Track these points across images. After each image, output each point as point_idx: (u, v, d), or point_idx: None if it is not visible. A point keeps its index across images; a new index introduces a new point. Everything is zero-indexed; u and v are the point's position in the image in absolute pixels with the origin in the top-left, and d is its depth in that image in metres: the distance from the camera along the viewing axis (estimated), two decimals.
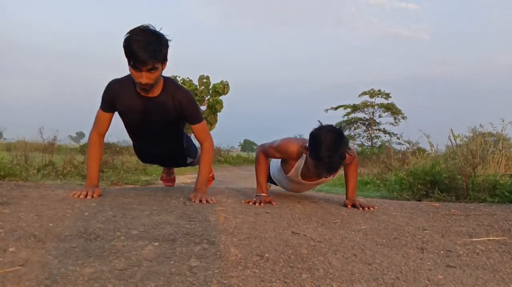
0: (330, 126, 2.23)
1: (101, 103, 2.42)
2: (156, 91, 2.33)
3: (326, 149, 2.10)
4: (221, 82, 27.02)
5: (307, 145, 2.30)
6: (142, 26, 2.11)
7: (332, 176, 2.33)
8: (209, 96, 27.18)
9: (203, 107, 27.20)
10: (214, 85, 26.85)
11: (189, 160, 2.94)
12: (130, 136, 2.69)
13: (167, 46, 2.17)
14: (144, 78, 2.10)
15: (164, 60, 2.16)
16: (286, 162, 2.62)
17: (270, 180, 3.11)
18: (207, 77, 27.31)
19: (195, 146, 2.98)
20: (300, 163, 2.51)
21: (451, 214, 2.42)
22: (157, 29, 2.15)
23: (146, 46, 2.02)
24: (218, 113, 27.45)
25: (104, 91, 2.39)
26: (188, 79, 26.82)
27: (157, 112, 2.40)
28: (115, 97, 2.36)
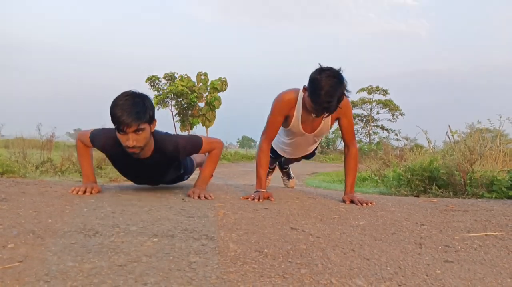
0: (330, 70, 2.24)
1: (91, 137, 2.38)
2: (148, 153, 2.30)
3: (326, 94, 2.16)
4: (219, 79, 27.01)
5: (306, 85, 2.32)
6: (125, 92, 2.12)
7: (329, 116, 2.40)
8: (207, 93, 27.16)
9: (201, 104, 27.19)
10: (212, 82, 26.83)
11: (186, 177, 2.95)
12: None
13: (153, 107, 2.17)
14: (130, 141, 2.07)
15: (151, 121, 2.15)
16: (286, 118, 2.62)
17: (273, 154, 3.06)
18: (205, 74, 27.28)
19: (191, 160, 2.95)
20: (299, 108, 2.52)
21: (448, 210, 2.43)
22: (141, 92, 2.17)
23: (129, 109, 2.02)
24: (216, 110, 27.44)
25: (95, 137, 2.35)
26: (186, 76, 26.78)
27: (151, 169, 2.42)
28: (104, 150, 2.36)
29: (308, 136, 2.70)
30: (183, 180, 2.97)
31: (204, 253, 1.33)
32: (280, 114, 2.56)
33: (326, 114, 2.31)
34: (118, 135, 2.10)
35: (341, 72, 2.24)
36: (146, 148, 2.23)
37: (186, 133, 27.96)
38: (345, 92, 2.25)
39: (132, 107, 2.03)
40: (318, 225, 1.87)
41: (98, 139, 2.33)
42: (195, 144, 2.43)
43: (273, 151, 3.05)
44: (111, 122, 2.08)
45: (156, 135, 2.30)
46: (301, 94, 2.48)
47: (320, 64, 2.28)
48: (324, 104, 2.19)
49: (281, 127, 2.74)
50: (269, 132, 2.61)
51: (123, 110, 2.02)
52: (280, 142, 2.93)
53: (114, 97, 2.10)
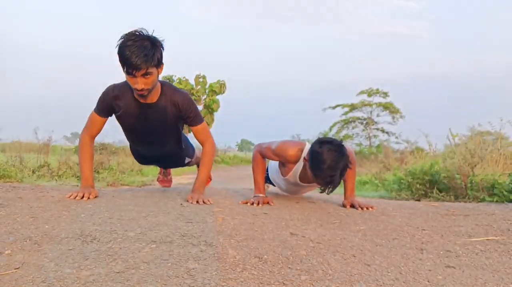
0: (331, 143, 2.22)
1: (97, 107, 2.39)
2: (154, 97, 2.32)
3: (328, 168, 2.12)
4: (218, 81, 27.00)
5: (306, 155, 2.30)
6: (134, 31, 2.09)
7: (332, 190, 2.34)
8: (205, 96, 27.16)
9: (200, 107, 27.19)
10: (210, 84, 26.82)
11: (187, 160, 2.92)
12: (128, 139, 2.67)
13: (162, 50, 2.15)
14: (139, 84, 2.08)
15: (159, 64, 2.14)
16: (284, 165, 2.62)
17: (268, 180, 3.10)
18: (204, 77, 27.28)
19: (192, 145, 2.97)
20: (298, 167, 2.51)
21: (450, 214, 2.41)
22: (150, 33, 2.13)
23: (138, 51, 2.00)
24: (215, 113, 27.43)
25: (102, 96, 2.36)
26: (184, 79, 26.78)
27: (156, 117, 2.39)
28: (113, 103, 2.34)
29: (306, 186, 2.71)
30: (183, 162, 2.94)
31: (203, 259, 1.32)
32: (279, 159, 2.59)
33: (331, 189, 2.24)
34: (126, 76, 2.10)
35: (342, 143, 2.24)
36: (154, 91, 2.25)
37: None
38: (348, 165, 2.21)
39: (140, 50, 2.01)
40: (318, 230, 1.85)
41: (106, 94, 2.33)
42: (198, 113, 2.46)
43: (269, 181, 3.09)
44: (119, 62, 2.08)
45: (164, 83, 2.35)
46: (306, 150, 2.43)
47: (319, 137, 2.28)
48: (327, 179, 2.15)
49: (278, 170, 2.75)
50: (265, 154, 2.62)
51: (132, 52, 2.00)
52: (279, 184, 2.93)
53: (122, 36, 2.07)
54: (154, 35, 2.14)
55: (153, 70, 2.09)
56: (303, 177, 2.55)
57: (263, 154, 2.62)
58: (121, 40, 2.06)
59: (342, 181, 2.67)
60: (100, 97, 2.37)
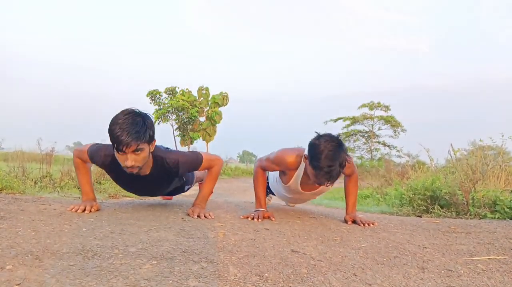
0: (329, 135, 2.24)
1: (89, 154, 2.34)
2: (147, 170, 2.28)
3: (326, 158, 2.13)
4: (221, 93, 27.14)
5: (306, 153, 2.30)
6: (125, 110, 2.08)
7: (331, 185, 2.34)
8: (208, 108, 27.26)
9: (202, 119, 27.26)
10: (213, 96, 26.96)
11: (186, 188, 2.94)
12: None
13: (153, 126, 2.12)
14: (129, 161, 2.02)
15: (150, 140, 2.10)
16: (285, 173, 2.62)
17: (269, 190, 3.10)
18: (207, 89, 27.42)
19: (193, 174, 2.95)
20: (299, 173, 2.52)
21: (451, 231, 2.40)
22: (142, 111, 2.12)
23: (129, 128, 1.97)
24: (217, 125, 27.50)
25: (94, 153, 2.32)
26: (187, 90, 26.91)
27: (151, 185, 2.42)
28: (103, 166, 2.34)
29: (308, 194, 2.72)
30: (183, 191, 2.94)
31: (203, 277, 1.31)
32: (279, 168, 2.60)
33: (329, 182, 2.24)
34: (116, 154, 2.06)
35: (340, 137, 2.25)
36: (145, 165, 2.20)
37: (186, 148, 27.97)
38: (347, 158, 2.23)
39: (131, 127, 1.98)
40: (320, 247, 1.85)
41: (97, 156, 2.30)
42: (195, 161, 2.40)
43: (270, 191, 3.11)
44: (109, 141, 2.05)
45: (155, 152, 2.26)
46: (304, 155, 2.45)
47: (317, 133, 2.29)
48: (325, 169, 2.14)
49: (279, 179, 2.76)
50: (265, 166, 2.63)
51: (123, 129, 1.97)
52: (280, 192, 2.94)
53: (114, 115, 2.05)
54: (145, 113, 2.14)
55: (144, 146, 2.04)
56: (304, 183, 2.56)
57: (263, 167, 2.63)
58: (112, 120, 2.03)
59: (344, 193, 2.68)
60: (93, 151, 2.33)
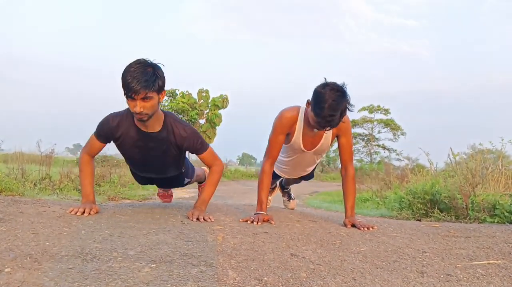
0: (334, 84, 2.26)
1: (96, 131, 2.40)
2: (157, 127, 2.33)
3: (329, 107, 2.18)
4: (221, 96, 27.14)
5: (309, 99, 2.34)
6: (138, 59, 2.15)
7: (330, 130, 2.42)
8: (208, 110, 27.26)
9: (202, 121, 27.28)
10: (213, 99, 26.95)
11: (186, 181, 2.94)
12: (127, 163, 2.69)
13: (163, 78, 2.19)
14: (138, 107, 2.10)
15: (159, 90, 2.17)
16: (287, 137, 2.63)
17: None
18: (207, 91, 27.43)
19: (192, 166, 2.98)
20: (300, 125, 2.55)
21: (451, 235, 2.40)
22: (153, 62, 2.18)
23: (139, 76, 2.06)
24: (217, 127, 27.50)
25: (102, 123, 2.37)
26: (187, 93, 26.92)
27: (158, 148, 2.41)
28: (113, 132, 2.36)
29: (308, 153, 2.70)
30: (182, 183, 2.95)
31: (202, 280, 1.31)
32: (282, 132, 2.58)
33: (328, 128, 2.33)
34: (127, 101, 2.13)
35: (345, 87, 2.27)
36: (154, 118, 2.26)
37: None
38: (349, 107, 2.27)
39: (142, 75, 2.06)
40: (319, 251, 1.85)
41: (105, 123, 2.35)
42: (201, 143, 2.46)
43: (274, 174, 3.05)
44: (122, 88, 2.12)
45: (169, 115, 2.37)
46: (302, 110, 2.54)
47: (325, 79, 2.31)
48: (327, 117, 2.21)
49: (283, 147, 2.74)
50: (271, 152, 2.62)
51: (133, 77, 2.05)
52: (279, 161, 2.92)
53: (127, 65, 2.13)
54: (158, 64, 2.20)
55: (153, 95, 2.12)
56: (306, 139, 2.59)
57: (271, 154, 2.63)
58: (124, 68, 2.11)
59: (343, 196, 2.68)
60: (100, 124, 2.38)
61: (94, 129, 2.40)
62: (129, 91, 2.07)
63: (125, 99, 2.14)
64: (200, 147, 2.46)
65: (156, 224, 2.16)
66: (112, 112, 2.38)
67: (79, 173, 2.50)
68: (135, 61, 2.14)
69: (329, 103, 2.18)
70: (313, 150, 2.67)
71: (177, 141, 2.38)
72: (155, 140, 2.36)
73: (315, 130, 2.42)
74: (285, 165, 2.93)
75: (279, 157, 2.84)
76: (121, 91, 2.12)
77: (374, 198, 6.40)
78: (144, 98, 2.09)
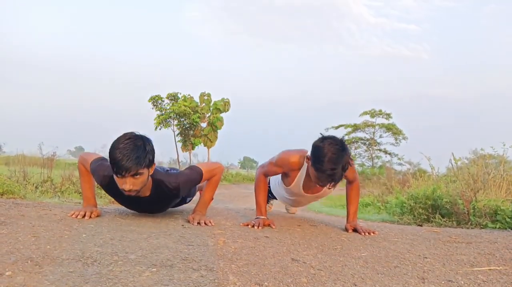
0: (332, 138, 2.25)
1: (91, 167, 2.35)
2: (147, 193, 2.28)
3: (329, 161, 2.14)
4: (222, 99, 27.20)
5: (309, 154, 2.32)
6: (127, 134, 2.09)
7: (334, 187, 2.35)
8: (209, 114, 27.32)
9: (203, 124, 27.32)
10: (215, 102, 27.02)
11: (188, 200, 2.94)
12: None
13: (153, 151, 2.13)
14: (127, 184, 2.03)
15: (150, 165, 2.11)
16: (287, 175, 2.62)
17: (270, 194, 3.09)
18: (208, 95, 27.51)
19: (195, 188, 2.95)
20: (302, 174, 2.53)
21: (452, 241, 2.39)
22: (143, 135, 2.14)
23: (129, 153, 1.99)
24: (218, 130, 27.54)
25: (94, 169, 2.33)
26: (189, 96, 26.99)
27: (152, 206, 2.43)
28: (102, 186, 2.35)
29: (309, 196, 2.72)
30: (185, 203, 2.95)
31: (203, 285, 1.31)
32: (282, 170, 2.60)
33: (332, 184, 2.25)
34: (115, 177, 2.06)
35: (343, 140, 2.26)
36: (144, 188, 2.19)
37: (187, 153, 27.96)
38: (350, 161, 2.24)
39: (132, 152, 1.99)
40: (320, 256, 1.84)
41: (97, 174, 2.31)
42: (196, 178, 2.40)
43: (271, 194, 3.10)
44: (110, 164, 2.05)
45: (155, 175, 2.25)
46: (306, 156, 2.46)
47: (321, 134, 2.30)
48: (328, 171, 2.15)
49: (281, 182, 2.76)
50: (268, 171, 2.64)
51: (123, 155, 1.98)
52: (282, 195, 2.94)
53: (115, 138, 2.07)
54: (146, 137, 2.15)
55: (143, 171, 2.05)
56: (306, 185, 2.57)
57: (266, 172, 2.63)
58: (113, 143, 2.05)
59: (346, 201, 2.68)
60: (93, 167, 2.34)
61: (91, 162, 2.37)
62: (119, 169, 1.99)
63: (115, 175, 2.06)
64: (196, 182, 2.43)
65: (157, 227, 2.16)
66: (106, 164, 2.26)
67: (80, 177, 2.51)
68: (123, 135, 2.07)
69: (328, 156, 2.14)
70: (314, 194, 2.67)
71: (173, 192, 2.33)
72: (147, 202, 2.36)
73: (319, 185, 2.34)
74: (288, 200, 2.95)
75: (281, 192, 2.85)
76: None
77: (375, 202, 6.39)
78: (134, 175, 2.02)
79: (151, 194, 2.29)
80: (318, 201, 3.04)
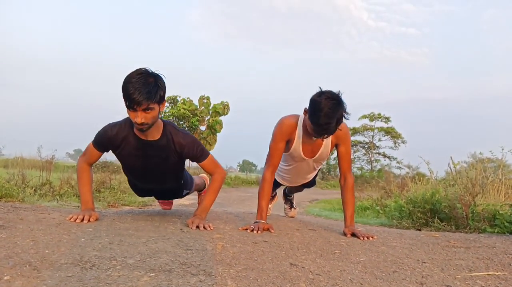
0: (330, 92, 2.29)
1: (95, 140, 2.40)
2: (156, 135, 2.33)
3: (325, 115, 2.22)
4: (222, 103, 27.20)
5: (306, 107, 2.36)
6: (139, 69, 2.15)
7: (327, 137, 2.44)
8: (209, 117, 27.31)
9: (202, 128, 27.32)
10: (214, 105, 27.01)
11: (185, 192, 2.93)
12: (126, 174, 2.68)
13: (164, 88, 2.19)
14: (139, 117, 2.10)
15: (161, 101, 2.17)
16: (287, 145, 2.65)
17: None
18: (208, 98, 27.50)
19: (191, 177, 2.97)
20: (299, 133, 2.57)
21: (450, 246, 2.39)
22: (154, 71, 2.18)
23: (141, 87, 2.05)
24: (217, 134, 27.52)
25: (100, 133, 2.37)
26: (188, 99, 26.98)
27: (158, 156, 2.41)
28: (112, 141, 2.36)
29: (308, 161, 2.72)
30: (181, 195, 2.94)
31: None
32: (282, 140, 2.60)
33: (326, 136, 2.37)
34: (128, 111, 2.13)
35: (340, 95, 2.29)
36: (154, 127, 2.26)
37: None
38: (345, 115, 2.30)
39: (144, 86, 2.06)
40: (318, 261, 1.84)
41: (103, 133, 2.35)
42: (202, 149, 2.46)
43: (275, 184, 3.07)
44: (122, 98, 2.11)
45: (169, 124, 2.37)
46: (301, 118, 2.56)
47: (320, 88, 2.33)
48: (323, 125, 2.24)
49: (283, 156, 2.75)
50: (272, 160, 2.63)
51: (135, 88, 2.04)
52: (280, 169, 2.94)
53: (128, 74, 2.12)
54: (159, 74, 2.20)
55: (154, 106, 2.12)
56: (305, 147, 2.60)
57: (271, 163, 2.63)
58: (125, 78, 2.11)
59: (342, 205, 2.69)
60: (98, 133, 2.38)
61: (93, 138, 2.41)
62: (131, 102, 2.07)
63: (125, 108, 2.14)
64: (200, 155, 2.46)
65: (156, 232, 2.16)
66: (110, 122, 2.38)
67: (77, 180, 2.50)
68: (136, 71, 2.13)
69: (325, 111, 2.21)
70: (313, 157, 2.68)
71: (177, 149, 2.38)
72: (154, 148, 2.36)
73: (314, 138, 2.45)
74: (286, 173, 2.94)
75: (279, 165, 2.85)
76: (121, 98, 2.11)
77: (374, 206, 6.39)
78: (145, 109, 2.10)
79: (160, 138, 2.34)
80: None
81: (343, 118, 2.31)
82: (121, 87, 2.10)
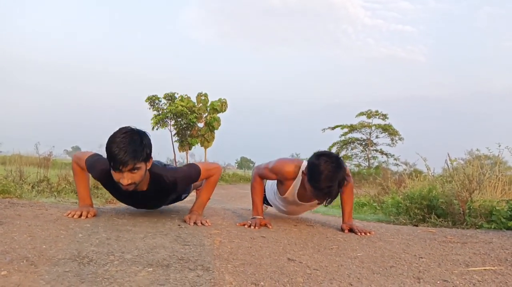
0: (328, 155, 2.25)
1: (87, 163, 2.33)
2: (144, 186, 2.26)
3: (326, 179, 2.15)
4: (219, 100, 27.17)
5: (304, 169, 2.32)
6: (123, 128, 2.06)
7: (330, 203, 2.36)
8: (206, 114, 27.28)
9: (200, 125, 27.30)
10: (212, 102, 26.98)
11: (183, 196, 2.93)
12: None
13: (150, 145, 2.11)
14: (125, 179, 2.00)
15: (147, 159, 2.08)
16: (282, 183, 2.62)
17: (265, 201, 3.10)
18: (205, 95, 27.45)
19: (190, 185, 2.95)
20: (296, 183, 2.52)
21: (447, 241, 2.40)
22: (139, 129, 2.11)
23: (126, 146, 1.96)
24: (215, 131, 27.51)
25: (89, 166, 2.32)
26: (186, 96, 26.93)
27: (148, 200, 2.41)
28: (100, 179, 2.32)
29: (305, 205, 2.71)
30: (181, 199, 2.94)
31: (199, 285, 1.31)
32: (276, 177, 2.60)
33: (329, 200, 2.28)
34: (113, 172, 2.04)
35: (339, 157, 2.27)
36: (142, 182, 2.17)
37: (184, 153, 27.93)
38: (346, 177, 2.25)
39: (129, 146, 1.97)
40: (316, 256, 1.85)
41: (94, 169, 2.30)
42: (193, 175, 2.40)
43: (267, 202, 3.10)
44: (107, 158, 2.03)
45: (153, 169, 2.23)
46: (302, 167, 2.45)
47: (316, 152, 2.30)
48: (325, 189, 2.17)
49: (276, 191, 2.75)
50: (263, 174, 2.63)
51: (120, 148, 1.95)
52: (278, 205, 2.94)
53: (112, 133, 2.04)
54: (143, 131, 2.12)
55: (141, 165, 2.03)
56: (301, 195, 2.56)
57: (261, 175, 2.63)
58: (110, 138, 2.02)
59: (340, 202, 2.69)
60: (90, 163, 2.32)
61: (87, 157, 2.35)
62: (116, 163, 1.97)
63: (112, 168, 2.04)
64: (193, 179, 2.42)
65: (153, 227, 2.16)
66: (102, 158, 2.25)
67: (74, 177, 2.49)
68: (119, 130, 2.05)
69: (325, 174, 2.15)
70: (309, 203, 2.66)
71: (171, 186, 2.32)
72: (145, 196, 2.34)
73: (316, 202, 2.39)
74: (283, 207, 2.94)
75: (276, 200, 2.85)
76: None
77: (371, 202, 6.39)
78: (132, 170, 2.00)
79: (149, 188, 2.28)
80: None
81: (345, 181, 2.25)
82: (105, 148, 2.01)
